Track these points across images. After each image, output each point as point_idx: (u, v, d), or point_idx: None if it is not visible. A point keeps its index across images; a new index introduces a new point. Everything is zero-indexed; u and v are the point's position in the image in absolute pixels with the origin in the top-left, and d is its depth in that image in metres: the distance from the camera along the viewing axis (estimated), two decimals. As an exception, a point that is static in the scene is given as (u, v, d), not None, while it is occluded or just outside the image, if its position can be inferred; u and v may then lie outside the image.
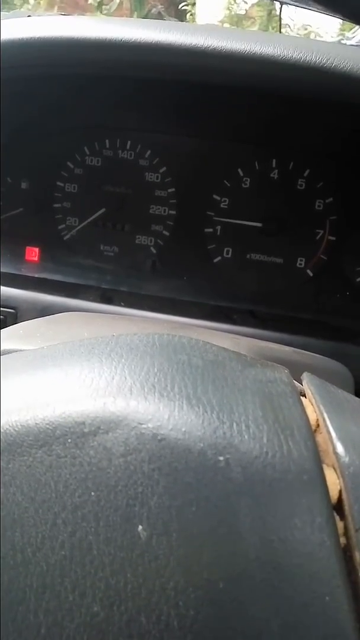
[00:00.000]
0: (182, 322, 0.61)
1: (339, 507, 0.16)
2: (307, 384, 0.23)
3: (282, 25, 1.76)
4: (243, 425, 0.17)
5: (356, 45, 1.07)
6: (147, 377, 0.19)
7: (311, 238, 0.68)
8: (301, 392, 0.23)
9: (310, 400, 0.21)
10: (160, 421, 0.17)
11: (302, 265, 0.69)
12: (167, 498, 0.15)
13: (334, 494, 0.16)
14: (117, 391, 0.18)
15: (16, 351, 0.28)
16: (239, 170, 0.69)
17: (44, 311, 0.61)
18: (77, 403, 0.18)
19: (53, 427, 0.17)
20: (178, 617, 0.14)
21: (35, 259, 0.73)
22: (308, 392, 0.22)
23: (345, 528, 0.16)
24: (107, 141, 0.71)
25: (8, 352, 0.28)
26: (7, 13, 0.83)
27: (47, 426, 0.17)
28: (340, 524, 0.16)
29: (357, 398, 0.23)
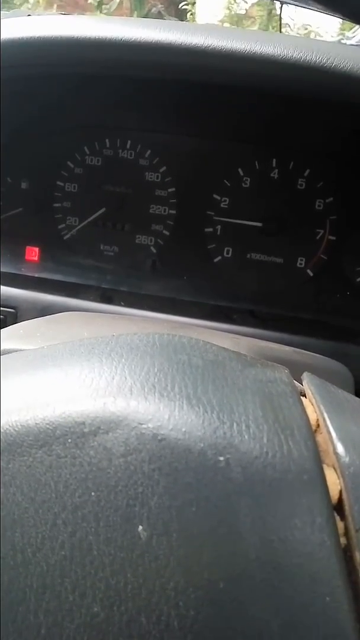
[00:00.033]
0: (182, 322, 0.61)
1: (339, 507, 0.16)
2: (307, 383, 0.23)
3: (282, 25, 1.76)
4: (243, 425, 0.17)
5: (356, 45, 1.07)
6: (147, 377, 0.19)
7: (311, 238, 0.68)
8: (301, 392, 0.23)
9: (310, 400, 0.21)
10: (160, 421, 0.17)
11: (302, 265, 0.69)
12: (167, 498, 0.15)
13: (334, 494, 0.16)
14: (117, 391, 0.18)
15: (16, 351, 0.28)
16: (239, 169, 0.69)
17: (44, 311, 0.61)
18: (77, 403, 0.18)
19: (53, 427, 0.17)
20: (178, 618, 0.14)
21: (35, 258, 0.73)
22: (308, 392, 0.22)
23: (346, 528, 0.16)
24: (107, 141, 0.71)
25: (8, 351, 0.28)
26: (7, 12, 0.83)
27: (47, 426, 0.17)
28: (340, 524, 0.16)
29: (357, 398, 0.23)
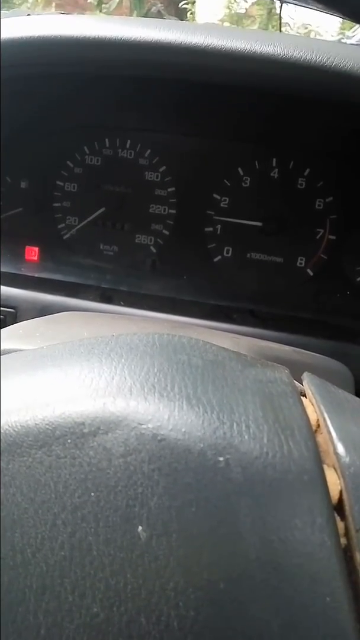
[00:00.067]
0: (182, 322, 0.61)
1: (339, 507, 0.16)
2: (308, 383, 0.23)
3: (282, 24, 1.76)
4: (243, 426, 0.17)
5: (356, 44, 1.07)
6: (147, 377, 0.19)
7: (311, 237, 0.68)
8: (301, 392, 0.23)
9: (310, 400, 0.21)
10: (160, 421, 0.17)
11: (302, 265, 0.69)
12: (167, 498, 0.15)
13: (334, 495, 0.16)
14: (117, 391, 0.18)
15: (16, 351, 0.28)
16: (239, 169, 0.69)
17: (44, 311, 0.61)
18: (77, 403, 0.18)
19: (53, 427, 0.17)
20: (178, 618, 0.14)
21: (35, 258, 0.73)
22: (308, 392, 0.22)
23: (346, 528, 0.16)
24: (106, 140, 0.71)
25: (8, 351, 0.28)
26: (7, 12, 0.82)
27: (47, 426, 0.17)
28: (340, 525, 0.16)
29: (357, 398, 0.23)
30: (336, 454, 0.17)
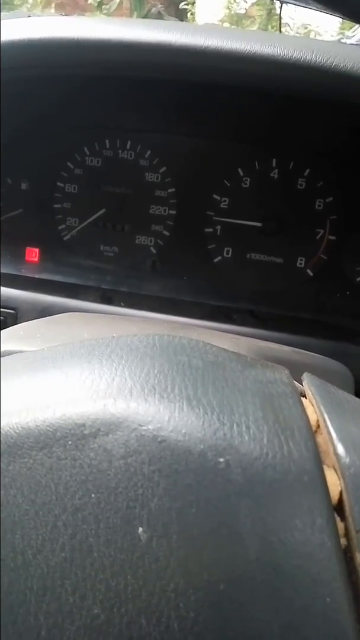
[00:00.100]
0: (182, 322, 0.61)
1: (339, 508, 0.16)
2: (308, 384, 0.23)
3: (282, 24, 1.76)
4: (243, 427, 0.17)
5: (356, 44, 1.07)
6: (147, 379, 0.19)
7: (311, 238, 0.68)
8: (301, 393, 0.23)
9: (310, 401, 0.21)
10: (160, 423, 0.17)
11: (302, 265, 0.69)
12: (167, 500, 0.15)
13: (334, 495, 0.16)
14: (118, 393, 0.18)
15: (16, 352, 0.28)
16: (239, 170, 0.69)
17: (44, 312, 0.61)
18: (78, 405, 0.18)
19: (53, 429, 0.17)
20: (178, 619, 0.14)
21: (35, 259, 0.73)
22: (308, 393, 0.22)
23: (346, 529, 0.16)
24: (107, 141, 0.71)
25: (8, 353, 0.28)
26: (7, 13, 0.83)
27: (48, 428, 0.17)
28: (340, 525, 0.16)
29: (357, 398, 0.23)
30: (336, 454, 0.17)
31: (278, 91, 0.51)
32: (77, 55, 0.51)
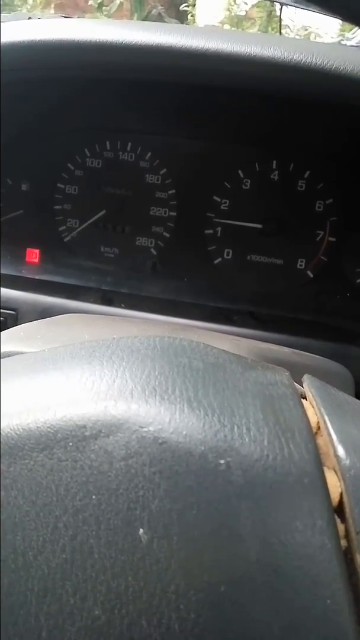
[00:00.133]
0: (183, 324, 0.61)
1: (339, 509, 0.16)
2: (308, 386, 0.23)
3: (282, 26, 1.76)
4: (244, 428, 0.17)
5: (356, 46, 1.07)
6: (148, 380, 0.19)
7: (311, 239, 0.68)
8: (302, 395, 0.23)
9: (311, 403, 0.21)
10: (161, 424, 0.17)
11: (303, 267, 0.69)
12: (168, 501, 0.15)
13: (334, 497, 0.16)
14: (118, 394, 0.18)
15: (17, 353, 0.28)
16: (240, 171, 0.69)
17: (45, 313, 0.61)
18: (78, 406, 0.18)
19: (54, 430, 0.17)
20: (179, 621, 0.14)
21: (36, 260, 0.73)
22: (309, 395, 0.22)
23: (346, 531, 0.16)
24: (107, 143, 0.71)
25: (9, 354, 0.28)
26: (7, 15, 0.83)
27: (48, 429, 0.17)
28: (341, 527, 0.16)
29: (357, 400, 0.23)
30: (336, 456, 0.17)
31: (278, 93, 0.51)
32: (77, 57, 0.52)
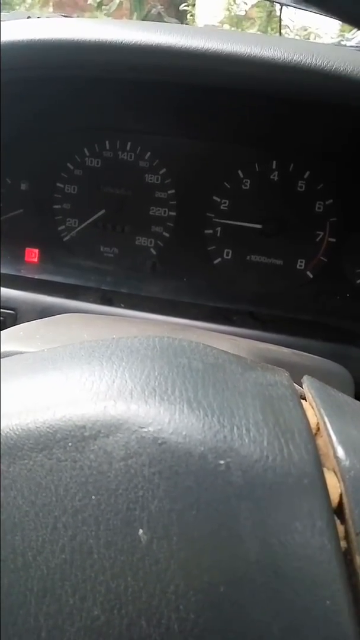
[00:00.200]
0: (182, 324, 0.61)
1: (339, 510, 0.16)
2: (308, 387, 0.23)
3: (281, 26, 1.76)
4: (243, 429, 0.17)
5: (356, 47, 1.07)
6: (148, 381, 0.19)
7: (311, 240, 0.68)
8: (301, 395, 0.23)
9: (310, 404, 0.21)
10: (160, 425, 0.17)
11: (302, 267, 0.69)
12: (167, 502, 0.15)
13: (334, 498, 0.16)
14: (118, 395, 0.18)
15: (16, 353, 0.28)
16: (239, 171, 0.69)
17: (44, 312, 0.61)
18: (78, 406, 0.18)
19: (53, 430, 0.17)
20: (179, 621, 0.14)
21: (35, 260, 0.73)
22: (308, 395, 0.22)
23: (346, 532, 0.16)
24: (107, 142, 0.71)
25: (8, 354, 0.28)
26: (7, 14, 0.83)
27: (48, 430, 0.17)
28: (340, 528, 0.16)
29: (357, 401, 0.23)
30: (336, 457, 0.17)
31: (278, 94, 0.51)
32: (77, 56, 0.52)
